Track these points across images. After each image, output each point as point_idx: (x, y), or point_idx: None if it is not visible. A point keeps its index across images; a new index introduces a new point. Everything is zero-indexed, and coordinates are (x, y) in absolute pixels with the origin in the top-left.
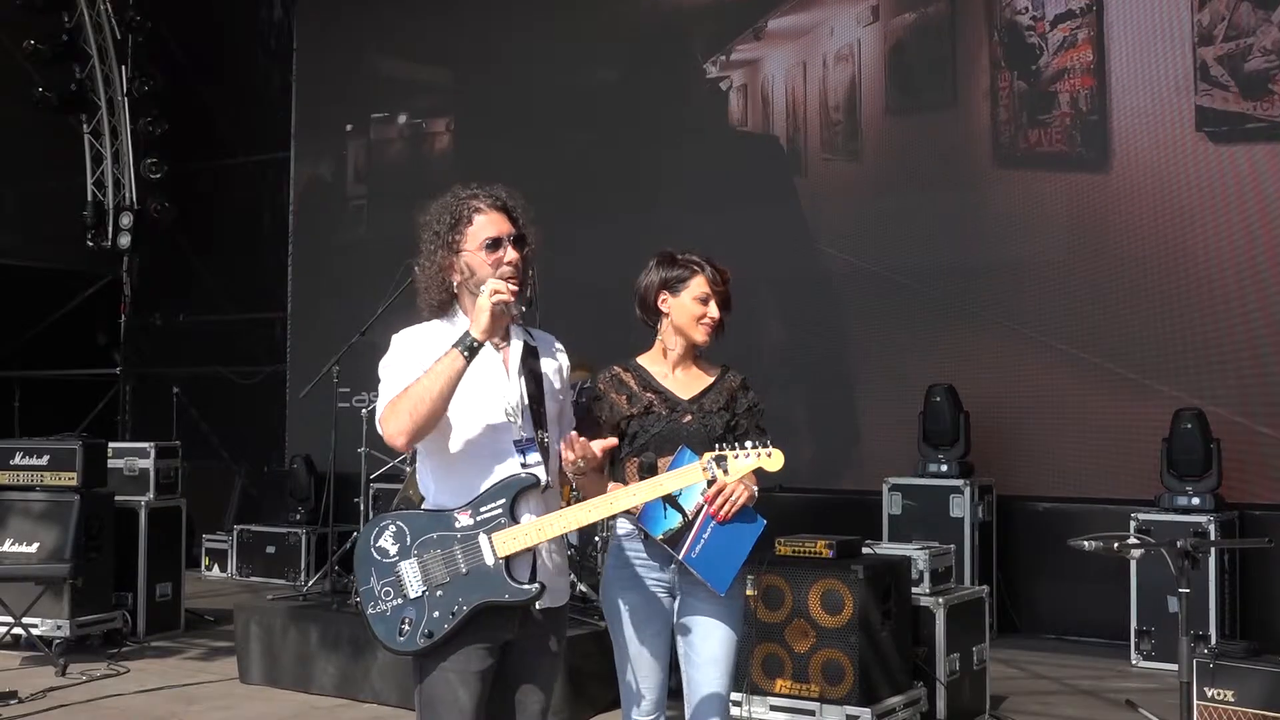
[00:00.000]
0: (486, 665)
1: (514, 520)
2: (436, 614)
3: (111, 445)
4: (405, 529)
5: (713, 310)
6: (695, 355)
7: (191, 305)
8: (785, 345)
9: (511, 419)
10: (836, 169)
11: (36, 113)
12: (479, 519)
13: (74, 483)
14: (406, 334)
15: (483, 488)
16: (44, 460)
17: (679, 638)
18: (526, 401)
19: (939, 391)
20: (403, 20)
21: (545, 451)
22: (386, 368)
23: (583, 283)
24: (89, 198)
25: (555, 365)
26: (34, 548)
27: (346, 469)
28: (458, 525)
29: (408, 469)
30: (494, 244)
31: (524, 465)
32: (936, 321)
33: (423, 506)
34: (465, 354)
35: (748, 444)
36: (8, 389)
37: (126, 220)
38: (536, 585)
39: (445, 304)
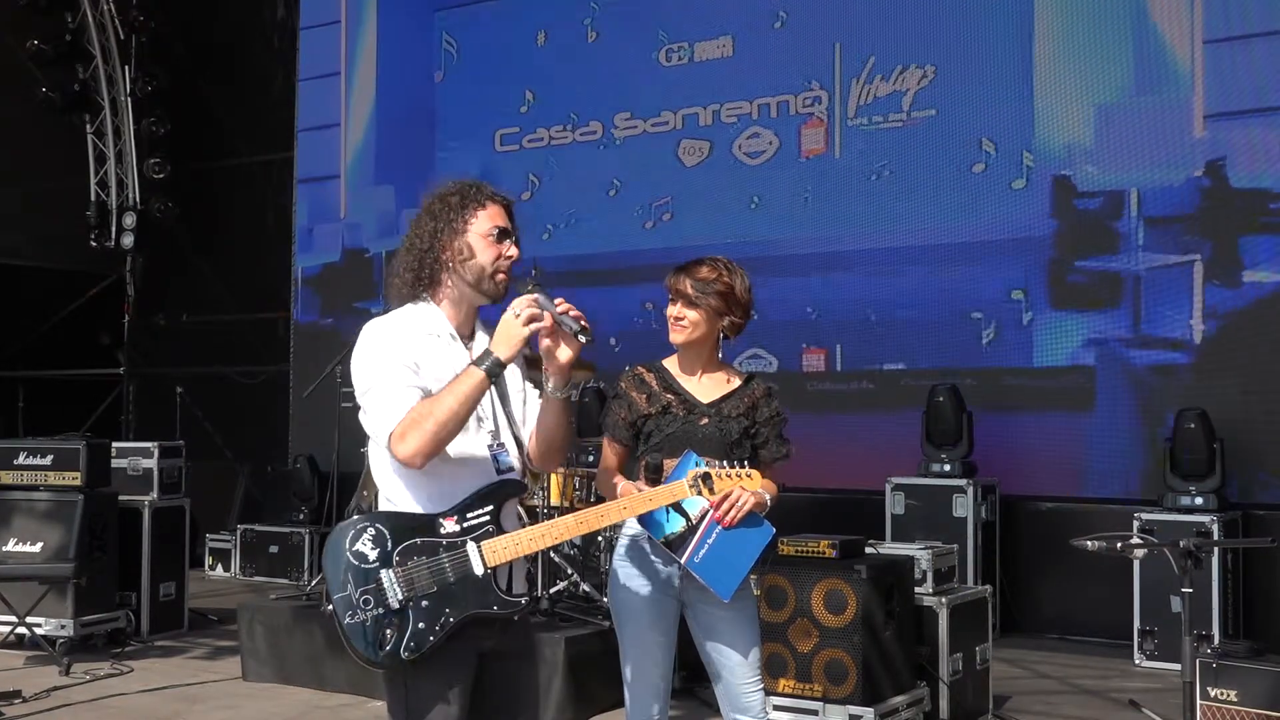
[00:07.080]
0: (469, 676)
1: (500, 528)
2: (422, 625)
3: (115, 445)
4: (385, 533)
5: (673, 311)
6: (720, 361)
7: (195, 305)
8: (788, 343)
9: (484, 422)
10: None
11: (40, 113)
12: (465, 526)
13: (78, 482)
14: (382, 329)
15: (463, 493)
16: (48, 460)
17: (705, 643)
18: (497, 402)
19: (942, 391)
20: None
21: (519, 447)
22: (375, 369)
23: None
24: (92, 198)
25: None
26: (38, 547)
27: (349, 468)
28: (443, 531)
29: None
30: (502, 234)
31: (498, 471)
32: (939, 320)
33: (388, 509)
34: (490, 376)
35: (728, 465)
36: (12, 389)
37: (130, 220)
38: (525, 597)
39: (421, 282)
